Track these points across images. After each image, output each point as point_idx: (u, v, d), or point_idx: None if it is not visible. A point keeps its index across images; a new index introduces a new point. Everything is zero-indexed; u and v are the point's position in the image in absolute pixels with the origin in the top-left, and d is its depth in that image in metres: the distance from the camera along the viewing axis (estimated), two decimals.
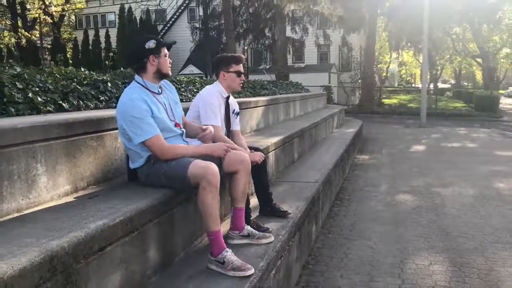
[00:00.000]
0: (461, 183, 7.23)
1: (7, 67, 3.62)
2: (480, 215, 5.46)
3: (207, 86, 3.74)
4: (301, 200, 4.22)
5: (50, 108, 3.23)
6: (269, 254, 2.90)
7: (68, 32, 41.10)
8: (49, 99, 3.29)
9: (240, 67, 3.62)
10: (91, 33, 31.58)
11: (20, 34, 30.25)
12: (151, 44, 2.76)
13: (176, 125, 2.92)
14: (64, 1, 33.62)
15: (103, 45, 30.80)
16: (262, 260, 2.78)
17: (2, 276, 1.52)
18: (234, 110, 3.80)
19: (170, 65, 2.89)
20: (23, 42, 30.79)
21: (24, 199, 2.29)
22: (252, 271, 2.57)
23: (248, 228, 3.11)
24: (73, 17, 38.36)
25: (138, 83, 2.81)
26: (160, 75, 2.84)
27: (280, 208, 3.74)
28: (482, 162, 9.24)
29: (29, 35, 31.12)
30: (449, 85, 59.71)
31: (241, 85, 3.73)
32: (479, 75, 50.24)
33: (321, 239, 4.67)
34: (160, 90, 2.90)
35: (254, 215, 3.59)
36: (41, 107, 3.15)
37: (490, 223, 5.14)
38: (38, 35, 33.99)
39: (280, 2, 22.12)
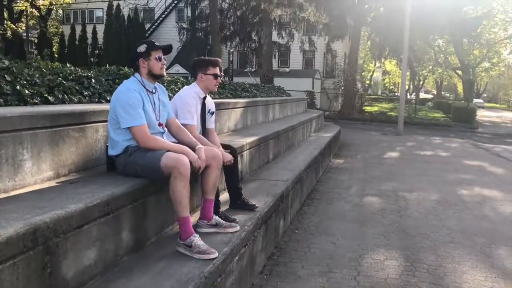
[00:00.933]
0: (427, 188, 7.62)
1: None
2: (439, 218, 5.83)
3: (185, 87, 4.01)
4: (269, 196, 4.51)
5: (36, 101, 3.46)
6: (233, 242, 3.18)
7: (55, 26, 40.89)
8: (36, 92, 3.52)
9: (217, 70, 3.88)
10: (78, 28, 31.45)
11: (6, 26, 30.05)
12: (142, 48, 3.12)
13: (159, 124, 3.21)
14: None
15: (89, 40, 30.73)
16: (226, 246, 3.07)
17: None
18: (210, 109, 4.07)
19: (163, 67, 3.19)
20: (8, 34, 30.57)
21: (10, 181, 2.54)
22: (216, 255, 2.85)
23: (216, 218, 3.40)
24: (60, 11, 38.16)
25: (137, 79, 3.14)
26: (153, 75, 3.16)
27: (249, 202, 4.03)
28: (451, 170, 9.67)
29: (15, 28, 30.92)
30: (431, 96, 60.85)
31: (217, 86, 4.01)
32: (460, 87, 51.41)
33: (288, 234, 4.97)
34: (155, 90, 3.23)
35: (224, 208, 3.88)
36: (28, 99, 3.38)
37: (447, 225, 5.51)
38: (24, 28, 33.78)
39: (267, 7, 22.43)
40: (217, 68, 3.90)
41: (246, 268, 3.47)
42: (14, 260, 1.88)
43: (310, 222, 5.48)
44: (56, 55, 30.95)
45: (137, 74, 3.18)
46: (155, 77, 3.20)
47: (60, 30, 37.34)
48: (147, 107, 3.08)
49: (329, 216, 5.78)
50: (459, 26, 24.38)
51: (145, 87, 3.14)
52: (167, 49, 3.25)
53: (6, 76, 3.40)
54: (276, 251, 4.44)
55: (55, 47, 34.23)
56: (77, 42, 30.80)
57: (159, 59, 3.16)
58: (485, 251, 4.65)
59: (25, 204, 2.27)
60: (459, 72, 39.59)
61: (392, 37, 22.56)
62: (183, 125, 3.51)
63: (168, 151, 2.92)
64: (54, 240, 2.12)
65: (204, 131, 4.02)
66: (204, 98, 3.96)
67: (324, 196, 6.85)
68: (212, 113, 4.11)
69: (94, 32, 30.53)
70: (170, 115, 3.37)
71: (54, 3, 34.37)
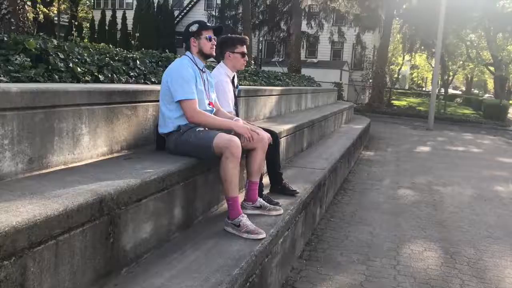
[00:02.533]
0: (461, 183, 7.51)
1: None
2: (476, 213, 5.74)
3: (215, 69, 3.97)
4: (308, 183, 4.52)
5: (88, 78, 3.53)
6: (278, 224, 3.21)
7: (84, 11, 41.41)
8: (87, 70, 3.59)
9: (244, 49, 3.84)
10: (108, 14, 31.83)
11: (38, 10, 30.58)
12: (193, 27, 3.20)
13: (210, 103, 3.25)
14: None
15: (119, 26, 31.05)
16: (272, 227, 3.09)
17: (65, 208, 1.84)
18: (237, 86, 4.07)
19: (213, 47, 3.24)
20: (40, 18, 31.12)
21: (69, 154, 2.60)
22: (264, 235, 2.88)
23: (260, 200, 3.43)
24: None
25: (188, 57, 3.21)
26: (203, 54, 3.23)
27: (290, 187, 4.04)
28: (484, 166, 9.49)
29: (47, 11, 31.45)
30: (460, 92, 59.57)
31: (244, 65, 3.98)
32: (490, 84, 50.17)
33: (324, 222, 4.98)
34: (204, 69, 3.31)
35: (265, 192, 3.90)
36: (80, 77, 3.46)
37: (485, 221, 5.43)
38: (56, 12, 34.30)
39: None
40: (245, 46, 3.86)
41: (288, 251, 3.50)
42: (83, 228, 1.95)
43: (345, 211, 5.47)
44: (86, 40, 31.40)
45: (188, 53, 3.25)
46: (205, 56, 3.27)
47: (90, 15, 37.80)
48: (199, 85, 3.14)
49: (364, 206, 5.75)
50: (495, 20, 23.73)
51: (196, 65, 3.20)
52: (218, 30, 3.29)
53: (59, 53, 3.48)
54: (313, 237, 4.46)
55: (84, 31, 34.67)
56: (106, 27, 31.15)
57: (210, 39, 3.20)
58: None
59: (88, 176, 2.33)
60: (491, 68, 38.59)
61: (424, 30, 22.18)
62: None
63: (220, 131, 2.96)
64: (117, 211, 2.18)
65: (237, 108, 4.02)
66: (233, 77, 3.95)
67: (357, 186, 6.82)
68: (237, 88, 4.10)
69: (124, 18, 30.80)
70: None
71: None
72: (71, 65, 3.45)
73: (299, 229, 3.91)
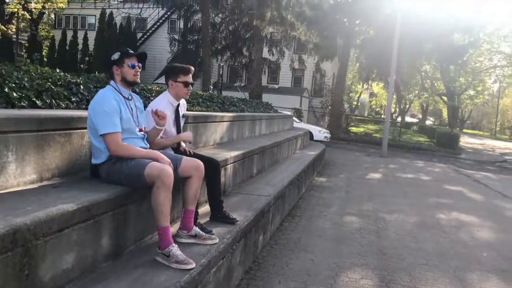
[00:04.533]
0: (407, 211, 7.74)
1: None
2: (416, 240, 5.93)
3: (158, 97, 4.03)
4: (250, 211, 4.56)
5: (24, 104, 3.49)
6: (211, 253, 3.22)
7: (45, 30, 40.77)
8: (24, 95, 3.55)
9: (188, 78, 3.87)
10: (69, 33, 31.38)
11: None
12: (115, 56, 3.20)
13: (139, 130, 3.26)
14: None
15: (80, 46, 30.66)
16: (204, 257, 3.10)
17: None
18: (183, 114, 4.11)
19: (137, 74, 3.24)
20: None
21: None
22: (193, 265, 2.89)
23: (196, 229, 3.44)
24: (52, 15, 38.11)
25: (112, 86, 3.20)
26: (126, 82, 3.22)
27: (230, 215, 4.07)
28: (431, 194, 9.82)
29: (5, 29, 30.79)
30: (417, 120, 61.68)
31: (188, 94, 4.01)
32: (445, 113, 52.25)
33: (267, 249, 5.02)
34: (130, 96, 3.29)
35: (205, 220, 3.92)
36: (16, 102, 3.41)
37: (424, 248, 5.61)
38: (14, 30, 33.63)
39: (259, 23, 22.74)
40: (189, 76, 3.89)
41: (223, 281, 3.50)
42: None
43: (290, 238, 5.54)
44: (46, 59, 30.81)
45: (112, 82, 3.24)
46: (129, 84, 3.25)
47: (51, 34, 37.24)
48: (125, 113, 3.12)
49: (309, 233, 5.84)
50: (446, 52, 24.86)
51: (121, 94, 3.19)
52: (142, 56, 3.31)
53: None
54: (254, 265, 4.48)
55: (44, 51, 34.08)
56: (67, 47, 30.69)
57: (132, 66, 3.21)
58: (458, 274, 4.75)
59: (6, 205, 2.29)
60: (445, 98, 40.32)
61: (380, 60, 22.94)
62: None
63: (151, 160, 2.98)
64: (33, 242, 2.15)
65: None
66: (178, 105, 3.98)
67: (305, 213, 6.92)
68: (183, 116, 4.14)
69: (85, 39, 30.45)
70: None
71: (47, 7, 34.36)
72: (6, 90, 3.42)
73: (237, 258, 3.92)
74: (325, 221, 6.52)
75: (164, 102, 3.85)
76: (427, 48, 23.72)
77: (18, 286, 2.07)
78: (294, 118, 19.12)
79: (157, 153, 3.13)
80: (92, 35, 30.17)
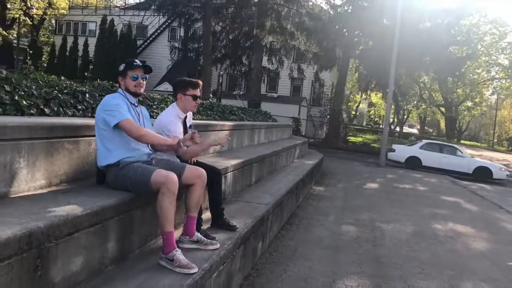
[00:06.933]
0: (403, 220, 7.85)
1: None
2: (412, 250, 6.04)
3: (165, 110, 4.15)
4: (250, 218, 4.67)
5: (33, 111, 3.61)
6: (213, 259, 3.33)
7: (46, 35, 40.98)
8: (33, 103, 3.67)
9: (197, 92, 4.00)
10: (70, 39, 31.55)
11: None
12: (121, 67, 3.39)
13: None
14: (47, 4, 33.71)
15: (80, 53, 30.83)
16: (206, 262, 3.21)
17: None
18: (190, 125, 4.23)
19: (138, 85, 3.38)
20: None
21: (6, 187, 2.67)
22: (196, 269, 3.00)
23: (198, 235, 3.55)
24: (53, 21, 38.32)
25: (119, 93, 3.38)
26: (129, 92, 3.37)
27: (230, 222, 4.18)
28: (427, 204, 9.94)
29: (6, 34, 30.96)
30: (415, 130, 61.93)
31: (196, 107, 4.15)
32: (443, 123, 52.55)
33: (266, 256, 5.12)
34: (137, 103, 3.47)
35: (206, 227, 4.03)
36: (25, 110, 3.53)
37: (419, 257, 5.71)
38: (15, 35, 33.81)
39: (259, 33, 22.94)
40: (197, 89, 4.01)
41: (223, 286, 3.61)
42: (10, 261, 2.02)
43: (288, 246, 5.64)
44: (46, 65, 30.97)
45: (119, 89, 3.43)
46: (131, 94, 3.41)
47: (51, 40, 37.43)
48: (131, 115, 3.27)
49: (306, 241, 5.94)
50: (444, 64, 25.09)
51: (127, 99, 3.36)
52: (146, 69, 3.44)
53: (5, 86, 3.56)
54: (253, 271, 4.58)
55: (44, 56, 34.25)
56: (67, 53, 30.85)
57: (135, 78, 3.36)
58: (453, 284, 4.86)
59: (20, 210, 2.41)
60: (442, 109, 40.59)
61: (379, 70, 23.15)
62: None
63: (158, 167, 3.11)
64: (46, 244, 2.26)
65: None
66: (185, 118, 4.10)
67: (303, 221, 7.03)
68: (190, 127, 4.25)
69: (86, 45, 30.61)
70: None
71: (48, 13, 34.59)
72: (16, 97, 3.54)
73: (237, 264, 4.03)
74: (323, 230, 6.63)
75: (173, 115, 3.95)
76: (426, 59, 23.91)
77: (32, 286, 2.18)
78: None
79: (169, 140, 3.32)
80: (92, 42, 30.34)
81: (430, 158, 18.26)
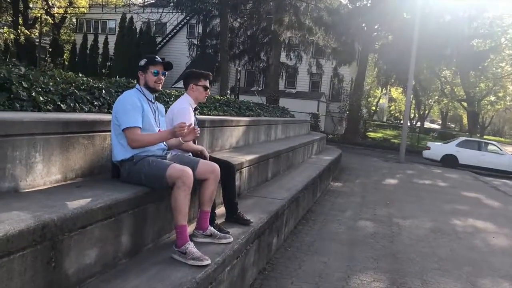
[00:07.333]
0: (421, 216, 7.75)
1: (11, 66, 4.09)
2: (430, 246, 5.96)
3: (177, 100, 4.21)
4: (264, 213, 4.67)
5: (49, 108, 3.67)
6: (226, 252, 3.35)
7: (67, 34, 41.63)
8: (49, 99, 3.74)
9: (207, 83, 4.15)
10: (90, 37, 32.02)
11: (19, 31, 30.71)
12: (142, 62, 3.42)
13: (159, 131, 3.43)
14: (67, 3, 34.25)
15: (100, 50, 31.26)
16: (219, 255, 3.23)
17: (6, 233, 1.97)
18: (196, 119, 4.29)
19: (158, 81, 3.40)
20: (21, 39, 31.22)
21: (22, 181, 2.72)
22: (208, 261, 3.02)
23: (211, 229, 3.57)
24: (74, 19, 38.91)
25: (137, 88, 3.42)
26: (148, 88, 3.40)
27: (244, 217, 4.20)
28: (447, 200, 9.80)
29: (29, 33, 31.58)
30: (437, 126, 60.97)
31: (205, 98, 4.25)
32: (465, 119, 51.56)
33: (281, 251, 5.12)
34: (153, 100, 3.50)
35: (220, 221, 4.05)
36: (42, 106, 3.60)
37: (437, 253, 5.64)
38: (37, 34, 34.43)
39: (277, 28, 22.85)
40: (208, 81, 4.17)
41: (236, 279, 3.62)
42: (24, 252, 2.07)
43: (304, 241, 5.63)
44: (67, 63, 31.49)
45: (137, 85, 3.46)
46: (150, 89, 3.44)
47: (72, 38, 38.02)
48: (147, 112, 3.31)
49: (322, 236, 5.92)
50: (467, 58, 24.62)
51: (144, 95, 3.39)
52: (167, 65, 3.47)
53: (23, 82, 3.62)
54: (267, 266, 4.59)
55: (66, 54, 34.83)
56: (88, 51, 31.31)
57: (156, 73, 3.39)
58: (470, 280, 4.78)
59: (35, 203, 2.46)
60: (464, 104, 39.84)
61: (399, 65, 22.85)
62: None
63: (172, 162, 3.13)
64: (60, 237, 2.30)
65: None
66: (195, 109, 4.18)
67: (320, 217, 7.00)
68: (196, 119, 4.31)
69: (106, 43, 31.04)
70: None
71: (69, 11, 35.13)
72: (33, 94, 3.60)
73: (251, 258, 4.04)
74: (339, 226, 6.59)
75: (187, 104, 4.02)
76: (447, 53, 23.49)
77: (46, 277, 2.23)
78: None
79: (171, 131, 3.26)
80: (112, 39, 30.73)
81: (467, 156, 17.62)
